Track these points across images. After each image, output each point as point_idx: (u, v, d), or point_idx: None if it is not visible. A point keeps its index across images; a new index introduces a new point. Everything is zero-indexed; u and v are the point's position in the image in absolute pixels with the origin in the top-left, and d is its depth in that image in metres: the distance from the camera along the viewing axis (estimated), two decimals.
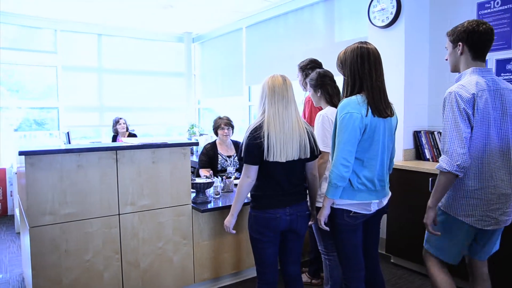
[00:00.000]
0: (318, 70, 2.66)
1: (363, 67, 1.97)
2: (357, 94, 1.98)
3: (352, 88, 2.00)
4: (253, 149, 2.04)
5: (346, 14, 4.29)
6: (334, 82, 2.59)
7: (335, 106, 2.50)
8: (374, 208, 2.06)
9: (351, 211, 2.03)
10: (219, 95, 6.70)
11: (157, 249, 2.74)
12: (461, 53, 1.95)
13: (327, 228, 2.12)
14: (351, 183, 2.00)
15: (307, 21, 4.79)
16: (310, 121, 2.98)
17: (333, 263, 2.53)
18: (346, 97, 2.01)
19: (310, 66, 3.10)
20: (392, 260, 3.49)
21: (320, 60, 3.19)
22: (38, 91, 5.93)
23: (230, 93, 6.36)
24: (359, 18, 4.05)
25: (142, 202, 2.67)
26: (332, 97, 2.54)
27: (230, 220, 2.22)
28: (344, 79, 2.07)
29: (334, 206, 2.05)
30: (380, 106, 1.97)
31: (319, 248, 2.61)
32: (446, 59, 2.07)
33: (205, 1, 5.06)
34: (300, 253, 2.32)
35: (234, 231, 2.25)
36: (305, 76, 3.06)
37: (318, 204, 2.37)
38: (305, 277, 3.03)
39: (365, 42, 2.04)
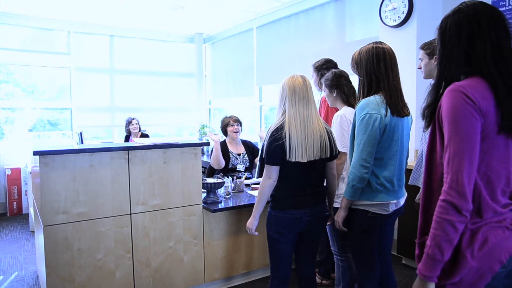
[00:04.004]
0: (333, 70, 2.64)
1: (379, 67, 1.96)
2: (375, 95, 1.96)
3: (368, 89, 1.99)
4: (275, 149, 2.03)
5: (357, 13, 4.26)
6: (350, 82, 2.58)
7: (352, 106, 2.49)
8: (392, 208, 2.05)
9: (369, 212, 2.02)
10: (230, 96, 6.71)
11: (168, 249, 2.76)
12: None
13: (345, 229, 2.11)
14: (370, 183, 1.99)
15: (318, 21, 4.78)
16: (326, 121, 2.97)
17: (346, 264, 2.52)
18: (364, 97, 1.99)
19: (326, 66, 3.07)
20: (403, 261, 3.46)
21: None
22: (51, 92, 6.02)
23: (240, 93, 6.37)
24: (371, 17, 4.02)
25: (153, 201, 2.69)
26: (348, 97, 2.53)
27: (252, 222, 2.21)
28: (359, 79, 2.05)
29: (352, 207, 2.05)
30: (398, 105, 1.96)
31: (332, 248, 2.60)
32: (419, 68, 2.46)
33: (216, 2, 5.08)
34: (316, 254, 2.32)
35: (257, 233, 2.25)
36: (321, 76, 3.03)
37: (336, 205, 2.37)
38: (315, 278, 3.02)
39: (380, 42, 2.03)
